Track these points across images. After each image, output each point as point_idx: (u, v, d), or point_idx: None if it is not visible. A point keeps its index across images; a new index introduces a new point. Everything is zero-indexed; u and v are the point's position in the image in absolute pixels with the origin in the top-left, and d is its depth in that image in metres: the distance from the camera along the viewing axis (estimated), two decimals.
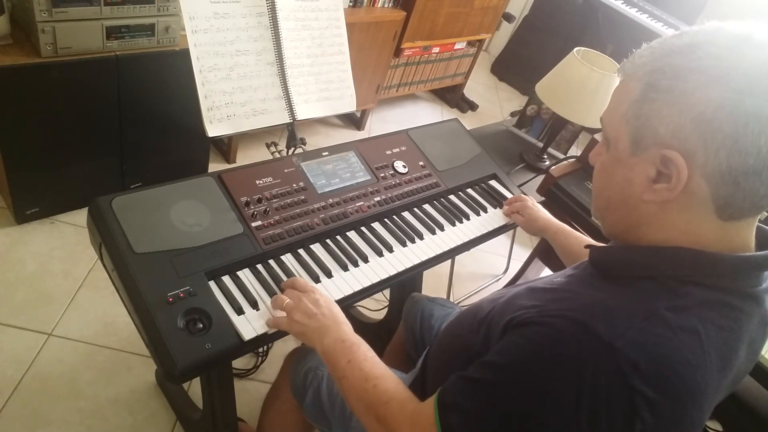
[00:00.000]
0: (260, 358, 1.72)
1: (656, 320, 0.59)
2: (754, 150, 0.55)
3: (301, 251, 1.10)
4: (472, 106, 3.63)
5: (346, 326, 0.89)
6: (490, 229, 1.33)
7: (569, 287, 0.71)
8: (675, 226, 0.64)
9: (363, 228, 1.19)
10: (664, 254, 0.64)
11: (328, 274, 1.06)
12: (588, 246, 0.76)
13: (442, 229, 1.27)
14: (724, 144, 0.56)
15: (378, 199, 1.24)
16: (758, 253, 0.63)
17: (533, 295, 0.72)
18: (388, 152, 1.35)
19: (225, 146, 2.48)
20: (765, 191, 0.58)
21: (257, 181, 1.13)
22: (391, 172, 1.32)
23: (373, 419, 0.76)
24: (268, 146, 1.43)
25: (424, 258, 1.18)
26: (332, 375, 0.85)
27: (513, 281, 2.21)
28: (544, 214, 1.30)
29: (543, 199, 1.78)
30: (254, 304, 0.96)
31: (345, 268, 1.09)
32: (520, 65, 4.02)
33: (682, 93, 0.58)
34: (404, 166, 1.34)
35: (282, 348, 1.75)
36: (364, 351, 0.84)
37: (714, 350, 0.61)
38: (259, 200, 1.10)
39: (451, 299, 2.16)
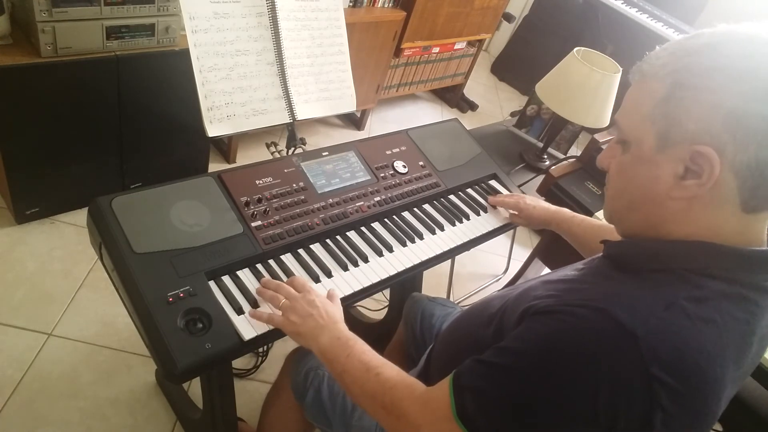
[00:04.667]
0: (260, 358, 1.72)
1: (676, 310, 0.60)
2: None
3: (301, 251, 1.10)
4: (472, 106, 3.63)
5: (342, 324, 0.89)
6: (490, 229, 1.33)
7: (585, 279, 0.71)
8: (698, 221, 0.64)
9: (363, 228, 1.19)
10: (681, 247, 0.65)
11: (328, 274, 1.06)
12: (603, 241, 0.76)
13: (442, 229, 1.27)
14: (754, 138, 0.58)
15: (378, 199, 1.24)
16: None
17: (549, 286, 0.72)
18: (388, 152, 1.35)
19: (225, 146, 2.48)
20: None
21: (257, 181, 1.13)
22: (391, 172, 1.32)
23: (379, 408, 0.76)
24: (268, 146, 1.43)
25: (424, 258, 1.18)
26: (332, 373, 0.85)
27: (513, 281, 2.21)
28: (541, 206, 1.28)
29: (543, 199, 1.78)
30: (254, 304, 0.96)
31: (345, 268, 1.09)
32: (520, 65, 4.02)
33: (709, 90, 0.60)
34: (404, 166, 1.34)
35: (282, 348, 1.75)
36: (361, 345, 0.85)
37: (731, 342, 0.62)
38: (259, 200, 1.10)
39: (451, 299, 2.16)
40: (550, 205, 1.29)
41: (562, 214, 1.23)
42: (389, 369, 0.80)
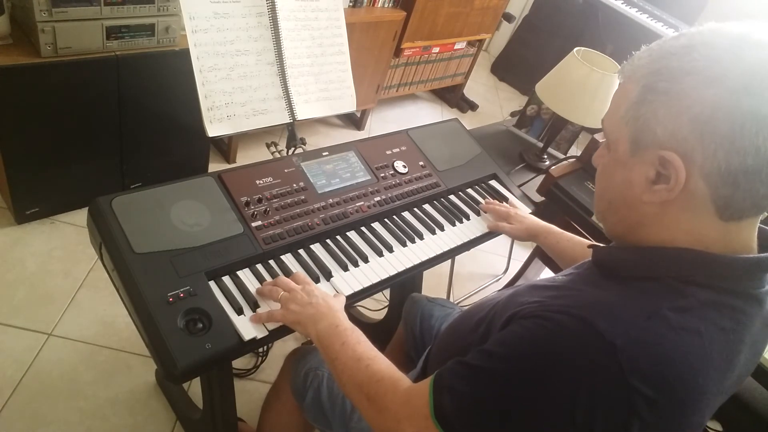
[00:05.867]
0: (260, 358, 1.72)
1: (659, 320, 0.59)
2: (752, 149, 0.55)
3: (301, 251, 1.10)
4: (472, 106, 3.63)
5: (341, 314, 0.90)
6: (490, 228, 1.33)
7: (572, 285, 0.71)
8: (677, 227, 0.64)
9: (363, 228, 1.19)
10: (667, 255, 0.64)
11: (328, 275, 1.06)
12: (591, 246, 0.76)
13: (442, 229, 1.27)
14: (722, 144, 0.56)
15: (378, 199, 1.24)
16: (761, 254, 0.63)
17: (535, 292, 0.72)
18: (388, 152, 1.35)
19: (225, 146, 2.48)
20: (765, 191, 0.58)
21: (257, 181, 1.13)
22: (391, 172, 1.32)
23: (363, 398, 0.77)
24: (268, 146, 1.43)
25: (424, 258, 1.18)
26: (325, 358, 0.86)
27: (513, 281, 2.21)
28: (531, 219, 1.27)
29: (543, 199, 1.78)
30: (254, 305, 0.96)
31: (345, 268, 1.09)
32: (520, 65, 4.02)
33: (678, 94, 0.59)
34: (404, 166, 1.34)
35: (282, 348, 1.75)
36: (358, 335, 0.85)
37: (716, 352, 0.61)
38: (259, 200, 1.10)
39: (451, 299, 2.16)
40: (540, 220, 1.27)
41: (551, 227, 1.22)
42: (380, 362, 0.80)
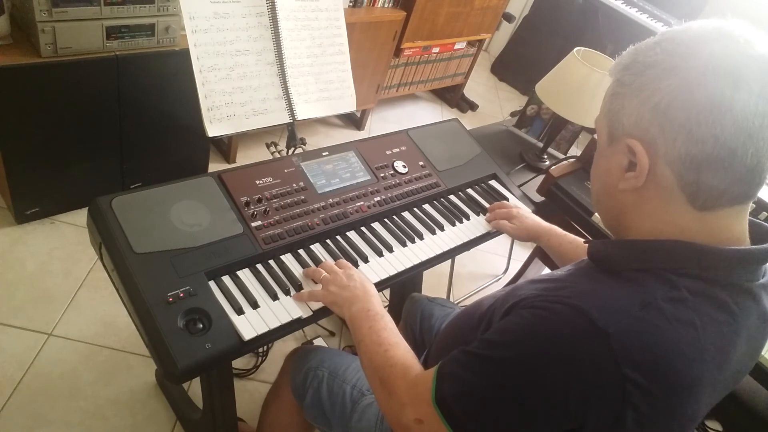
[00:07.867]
0: (260, 358, 1.72)
1: (653, 311, 0.60)
2: (710, 138, 0.57)
3: (301, 251, 1.10)
4: (472, 106, 3.63)
5: (375, 299, 0.95)
6: (491, 229, 1.33)
7: (569, 278, 0.72)
8: (656, 216, 0.66)
9: (363, 228, 1.20)
10: (658, 247, 0.65)
11: None
12: (587, 241, 0.77)
13: (442, 229, 1.27)
14: (680, 133, 0.59)
15: (378, 199, 1.25)
16: (753, 246, 0.64)
17: (533, 285, 0.73)
18: (388, 152, 1.35)
19: (225, 146, 2.48)
20: (732, 179, 0.59)
21: (257, 181, 1.13)
22: (391, 172, 1.32)
23: (377, 381, 0.81)
24: (268, 146, 1.43)
25: (424, 258, 1.18)
26: (353, 339, 0.90)
27: (513, 281, 2.21)
28: (533, 219, 1.26)
29: (543, 199, 1.78)
30: (254, 304, 0.96)
31: None
32: (520, 65, 4.02)
33: (640, 86, 0.63)
34: (404, 166, 1.34)
35: (282, 348, 1.75)
36: (386, 322, 0.90)
37: (710, 343, 0.61)
38: (259, 200, 1.10)
39: (451, 299, 2.16)
40: (543, 220, 1.27)
41: (554, 229, 1.21)
42: (398, 348, 0.84)
